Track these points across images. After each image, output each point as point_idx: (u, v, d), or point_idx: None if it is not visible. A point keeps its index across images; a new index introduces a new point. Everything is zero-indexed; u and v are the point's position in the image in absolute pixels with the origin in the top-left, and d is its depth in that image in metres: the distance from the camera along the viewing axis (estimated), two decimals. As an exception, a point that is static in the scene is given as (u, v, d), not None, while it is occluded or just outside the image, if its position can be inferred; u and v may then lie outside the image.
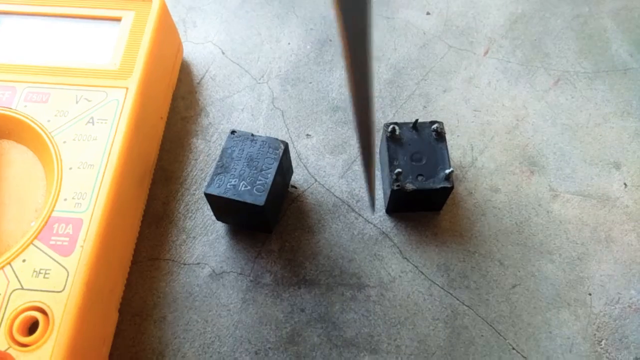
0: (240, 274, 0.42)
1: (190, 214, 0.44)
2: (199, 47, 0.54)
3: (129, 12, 0.46)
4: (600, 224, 0.44)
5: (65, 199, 0.37)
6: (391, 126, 0.42)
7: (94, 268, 0.35)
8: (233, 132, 0.41)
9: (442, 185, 0.40)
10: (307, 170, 0.47)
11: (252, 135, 0.41)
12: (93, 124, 0.40)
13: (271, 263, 0.42)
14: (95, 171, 0.38)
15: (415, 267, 0.42)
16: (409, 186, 0.40)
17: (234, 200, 0.38)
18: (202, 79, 0.52)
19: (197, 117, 0.49)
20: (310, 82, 0.51)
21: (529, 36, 0.54)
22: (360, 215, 0.44)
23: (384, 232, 0.44)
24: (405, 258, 0.43)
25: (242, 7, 0.56)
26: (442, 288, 0.41)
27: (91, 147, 0.39)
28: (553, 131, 0.48)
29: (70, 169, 0.38)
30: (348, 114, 0.49)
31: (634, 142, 0.48)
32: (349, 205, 0.45)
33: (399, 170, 0.40)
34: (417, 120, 0.42)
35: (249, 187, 0.39)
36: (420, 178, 0.41)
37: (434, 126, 0.42)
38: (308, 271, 0.42)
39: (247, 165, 0.40)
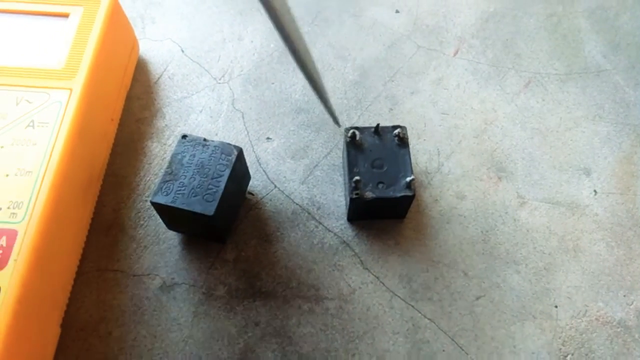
0: (192, 285, 0.40)
1: (141, 222, 0.42)
2: (157, 45, 0.51)
3: (77, 8, 0.43)
4: (569, 233, 0.42)
5: (0, 209, 0.35)
6: (351, 131, 0.40)
7: (28, 283, 0.33)
8: (184, 136, 0.39)
9: (403, 194, 0.38)
10: (267, 175, 0.44)
11: (205, 140, 0.39)
12: (33, 128, 0.38)
13: (225, 274, 0.40)
14: (33, 178, 0.36)
15: (377, 277, 0.40)
16: (369, 194, 0.38)
17: (182, 209, 0.36)
18: (159, 78, 0.49)
19: (153, 118, 0.47)
20: (273, 83, 0.49)
21: (500, 36, 0.52)
22: (320, 223, 0.42)
23: (344, 241, 0.42)
24: (367, 268, 0.41)
25: (204, 3, 0.54)
26: (403, 300, 0.40)
27: (30, 153, 0.37)
28: (522, 135, 0.46)
29: (7, 175, 0.36)
30: (312, 116, 0.47)
31: (605, 147, 0.46)
32: (309, 213, 0.43)
33: (358, 178, 0.38)
34: (378, 124, 0.40)
35: (198, 196, 0.37)
36: (380, 186, 0.39)
37: (396, 131, 0.40)
38: (264, 283, 0.40)
39: (198, 172, 0.38)
